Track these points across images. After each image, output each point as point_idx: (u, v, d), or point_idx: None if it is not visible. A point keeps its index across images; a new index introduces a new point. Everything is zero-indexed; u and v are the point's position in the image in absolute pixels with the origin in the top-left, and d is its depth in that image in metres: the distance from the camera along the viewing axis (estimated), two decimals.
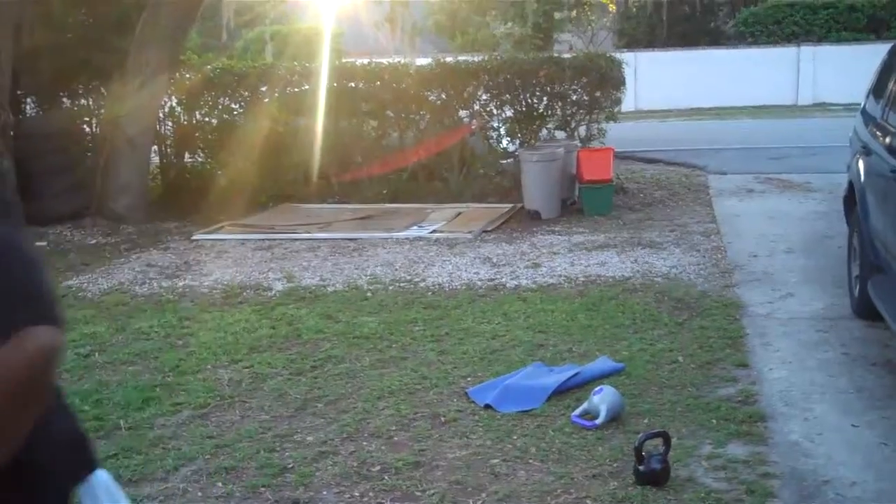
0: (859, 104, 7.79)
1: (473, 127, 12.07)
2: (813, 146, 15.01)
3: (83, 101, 12.48)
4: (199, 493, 4.39)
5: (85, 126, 12.37)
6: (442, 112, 12.06)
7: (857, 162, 6.90)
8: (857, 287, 6.56)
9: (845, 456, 4.53)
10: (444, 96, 12.01)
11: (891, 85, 6.72)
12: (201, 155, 12.88)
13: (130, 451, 4.84)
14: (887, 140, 6.01)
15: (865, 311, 6.34)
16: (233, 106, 12.61)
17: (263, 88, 12.46)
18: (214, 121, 12.66)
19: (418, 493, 4.31)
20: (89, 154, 12.02)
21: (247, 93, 12.46)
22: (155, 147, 12.36)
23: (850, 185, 7.08)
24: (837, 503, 4.09)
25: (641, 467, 4.28)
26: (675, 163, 14.49)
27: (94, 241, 10.33)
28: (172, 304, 7.63)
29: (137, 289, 8.19)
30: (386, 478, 4.46)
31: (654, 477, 4.26)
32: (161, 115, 12.34)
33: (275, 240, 9.94)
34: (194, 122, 12.72)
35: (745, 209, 10.75)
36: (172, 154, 12.83)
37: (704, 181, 12.78)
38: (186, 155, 12.89)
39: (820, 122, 19.20)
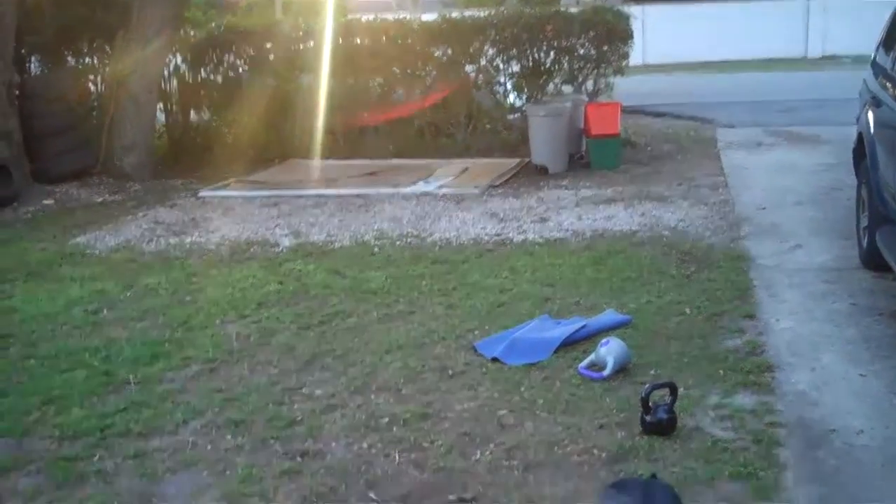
0: (869, 56, 7.71)
1: (475, 78, 11.97)
2: (822, 98, 14.89)
3: (87, 60, 12.43)
4: (209, 447, 4.42)
5: (90, 84, 12.32)
6: (448, 68, 11.97)
7: (867, 113, 6.84)
8: (866, 238, 6.54)
9: (852, 405, 4.54)
10: (450, 52, 11.91)
11: None
12: (207, 112, 12.84)
13: (140, 405, 4.87)
14: None
15: (873, 261, 6.33)
16: (238, 63, 12.55)
17: (269, 46, 12.38)
18: (220, 78, 12.60)
19: (426, 445, 4.33)
20: (94, 112, 11.99)
21: (252, 50, 12.40)
22: (160, 105, 12.33)
23: (860, 136, 7.03)
24: (844, 451, 4.11)
25: (648, 417, 4.29)
26: (684, 116, 14.40)
27: (100, 199, 10.33)
28: (180, 261, 7.65)
29: (145, 246, 8.20)
30: (394, 429, 4.49)
31: (660, 427, 4.27)
32: (166, 72, 12.29)
33: (281, 196, 9.93)
34: (199, 79, 12.67)
35: (753, 162, 10.69)
36: (178, 112, 12.79)
37: (713, 134, 12.71)
38: (192, 113, 12.85)
39: (829, 74, 19.02)
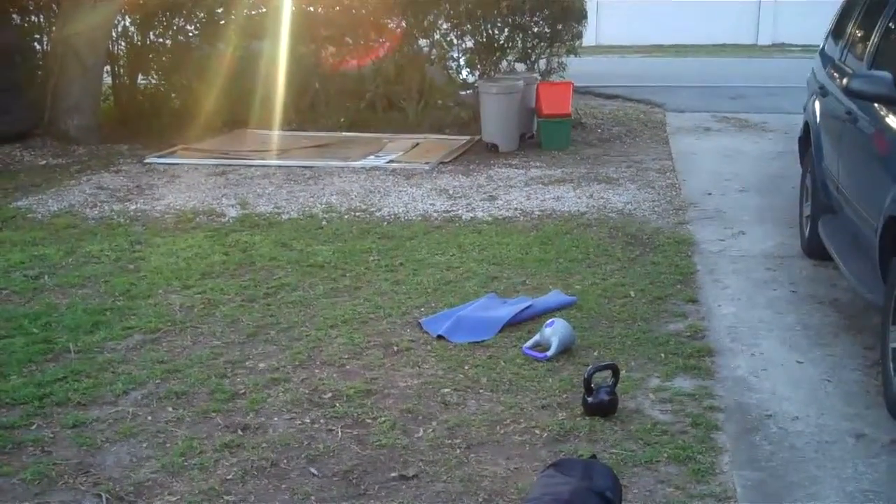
0: (818, 46, 7.81)
1: (428, 52, 11.90)
2: (771, 86, 15.07)
3: (34, 18, 12.14)
4: (150, 418, 4.38)
5: (35, 44, 12.05)
6: (401, 40, 11.89)
7: (814, 103, 6.94)
8: (808, 227, 6.65)
9: (789, 391, 4.62)
10: (404, 24, 11.84)
11: (850, 27, 6.74)
12: (155, 77, 12.63)
13: (80, 374, 4.81)
14: (844, 82, 6.04)
15: (815, 250, 6.44)
16: (188, 28, 12.35)
17: (220, 10, 12.20)
18: (169, 42, 12.40)
19: (369, 421, 4.34)
20: (40, 73, 11.74)
21: (203, 14, 12.20)
22: (107, 67, 12.08)
23: (806, 125, 7.13)
24: (779, 437, 4.19)
25: (590, 398, 4.33)
26: (634, 99, 14.47)
27: (44, 162, 10.13)
28: (124, 228, 7.54)
29: (88, 211, 8.07)
30: (337, 405, 4.49)
31: (602, 408, 4.32)
32: (114, 34, 12.05)
33: (229, 165, 9.82)
34: (148, 42, 12.45)
35: (701, 147, 10.79)
36: (125, 75, 12.54)
37: (662, 118, 12.80)
38: (140, 76, 12.62)
39: (779, 62, 19.26)
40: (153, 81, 12.66)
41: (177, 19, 12.26)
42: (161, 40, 12.46)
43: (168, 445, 4.13)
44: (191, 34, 12.36)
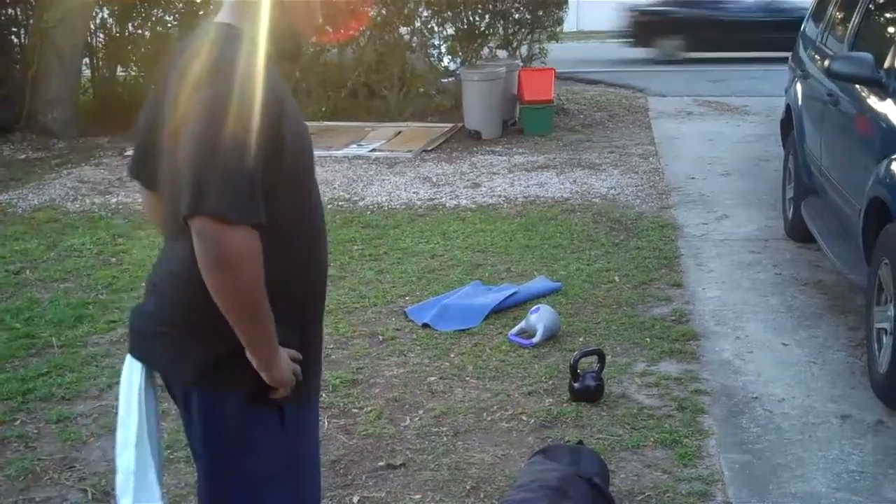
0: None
1: (409, 40, 11.86)
2: (751, 69, 15.09)
3: (10, 11, 12.03)
4: None
5: (13, 37, 11.94)
6: (382, 28, 11.84)
7: (795, 85, 6.95)
8: (791, 209, 6.66)
9: (774, 373, 4.64)
10: (384, 12, 11.79)
11: (830, 8, 6.74)
12: (134, 68, 12.54)
13: (63, 368, 4.77)
14: (825, 63, 6.04)
15: (798, 232, 6.46)
16: (167, 18, 12.26)
17: (199, 0, 12.12)
18: (148, 33, 12.31)
19: (355, 410, 4.32)
20: (17, 66, 11.63)
21: (181, 4, 12.12)
22: (86, 60, 11.99)
23: (788, 108, 7.13)
24: (766, 419, 4.20)
25: (576, 384, 4.33)
26: (616, 84, 14.48)
27: (23, 156, 10.04)
28: (105, 221, 7.49)
29: (69, 205, 8.02)
30: (323, 395, 4.46)
31: (588, 393, 4.32)
32: (92, 26, 11.95)
33: None
34: (127, 34, 12.35)
35: (683, 131, 10.80)
36: (104, 67, 12.46)
37: (644, 103, 12.80)
38: (119, 68, 12.54)
39: None
40: (132, 73, 12.56)
41: (155, 10, 12.18)
42: (140, 31, 12.37)
43: None
44: (170, 25, 12.27)
